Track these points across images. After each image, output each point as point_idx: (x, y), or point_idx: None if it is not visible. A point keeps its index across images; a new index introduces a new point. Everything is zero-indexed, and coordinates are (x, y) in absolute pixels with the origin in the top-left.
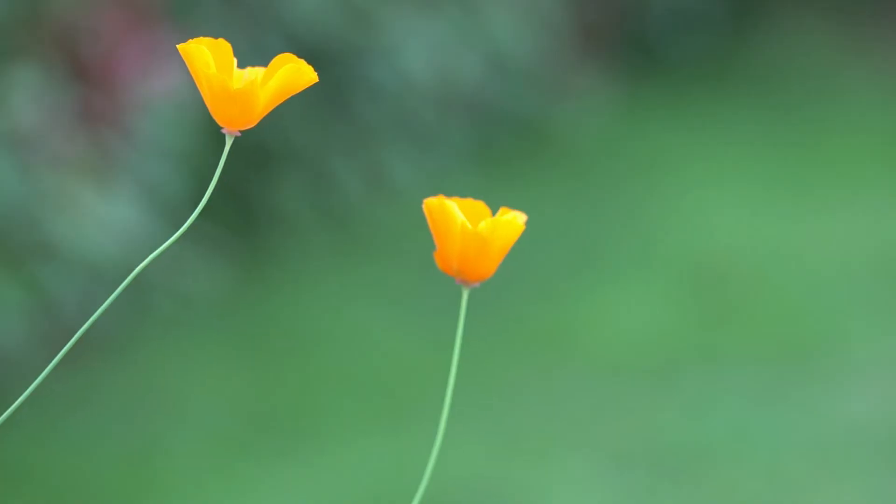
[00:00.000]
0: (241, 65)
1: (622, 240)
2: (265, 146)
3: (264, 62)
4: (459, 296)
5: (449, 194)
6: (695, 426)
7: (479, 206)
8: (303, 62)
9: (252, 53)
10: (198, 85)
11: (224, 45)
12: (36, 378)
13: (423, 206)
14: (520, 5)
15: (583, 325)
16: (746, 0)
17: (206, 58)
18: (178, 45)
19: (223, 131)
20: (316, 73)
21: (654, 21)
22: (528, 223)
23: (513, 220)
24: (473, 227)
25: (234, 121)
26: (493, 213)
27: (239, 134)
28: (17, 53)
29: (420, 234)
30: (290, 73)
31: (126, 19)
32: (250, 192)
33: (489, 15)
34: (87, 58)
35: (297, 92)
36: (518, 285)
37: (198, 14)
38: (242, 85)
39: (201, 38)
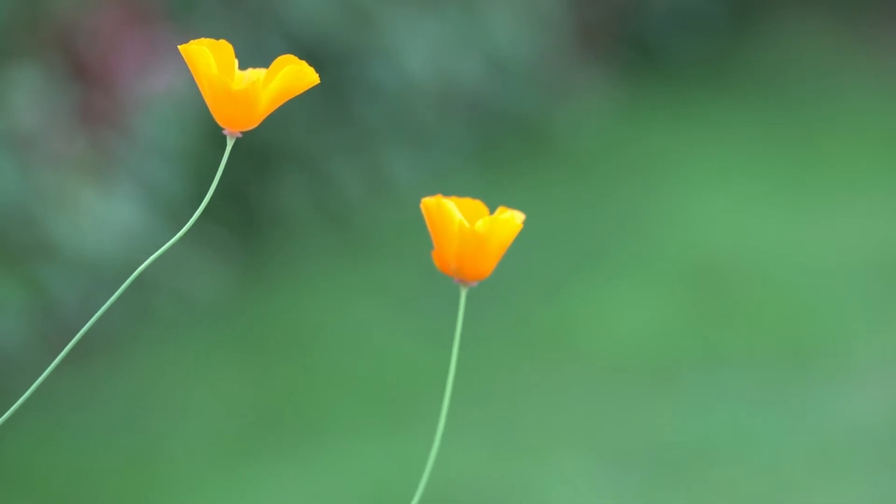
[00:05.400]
0: (241, 65)
1: (623, 240)
2: (265, 146)
3: (264, 62)
4: (459, 296)
5: (449, 195)
6: (695, 426)
7: (477, 205)
8: (304, 64)
9: (251, 53)
10: (199, 86)
11: (226, 46)
12: (36, 378)
13: (421, 206)
14: (520, 5)
15: (584, 325)
16: (746, 0)
17: (208, 59)
18: (179, 46)
19: (224, 132)
20: (317, 75)
21: (654, 21)
22: (529, 224)
23: (510, 219)
24: (471, 226)
25: (235, 122)
26: (492, 212)
27: (240, 135)
28: (17, 53)
29: (420, 235)
30: (292, 75)
31: (125, 18)
32: (250, 193)
33: (489, 15)
34: (86, 57)
35: (299, 93)
36: (519, 285)
37: (197, 13)
38: (244, 86)
39: (203, 38)
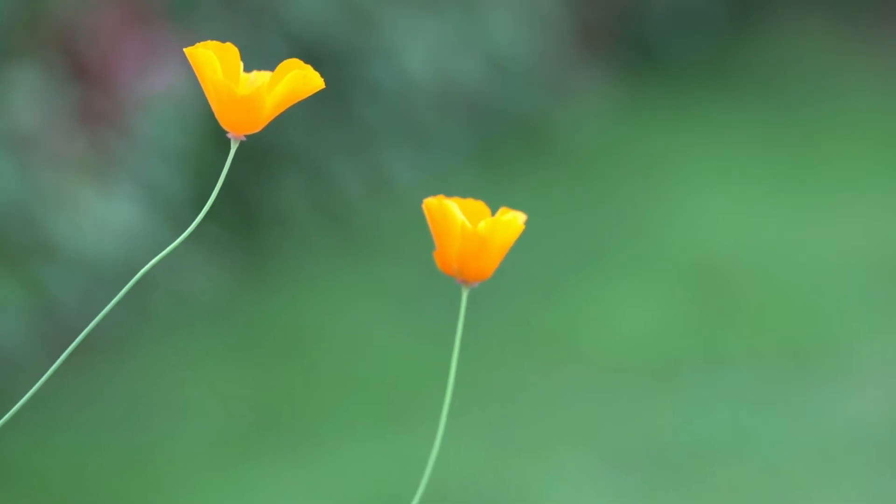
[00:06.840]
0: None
1: (623, 240)
2: (265, 146)
3: (263, 62)
4: (460, 296)
5: (449, 195)
6: (695, 426)
7: (479, 205)
8: (309, 68)
9: (251, 53)
10: (204, 89)
11: (231, 50)
12: (36, 378)
13: (423, 206)
14: (520, 5)
15: (584, 324)
16: (746, 0)
17: (214, 63)
18: (185, 50)
19: (228, 135)
20: (322, 80)
21: (654, 21)
22: (529, 223)
23: (512, 220)
24: (473, 227)
25: (239, 126)
26: (494, 213)
27: (244, 138)
28: (17, 53)
29: (420, 235)
30: (297, 80)
31: (125, 18)
32: (250, 193)
33: (489, 15)
34: (86, 57)
35: (304, 98)
36: (519, 285)
37: (197, 13)
38: (249, 91)
39: (209, 41)
